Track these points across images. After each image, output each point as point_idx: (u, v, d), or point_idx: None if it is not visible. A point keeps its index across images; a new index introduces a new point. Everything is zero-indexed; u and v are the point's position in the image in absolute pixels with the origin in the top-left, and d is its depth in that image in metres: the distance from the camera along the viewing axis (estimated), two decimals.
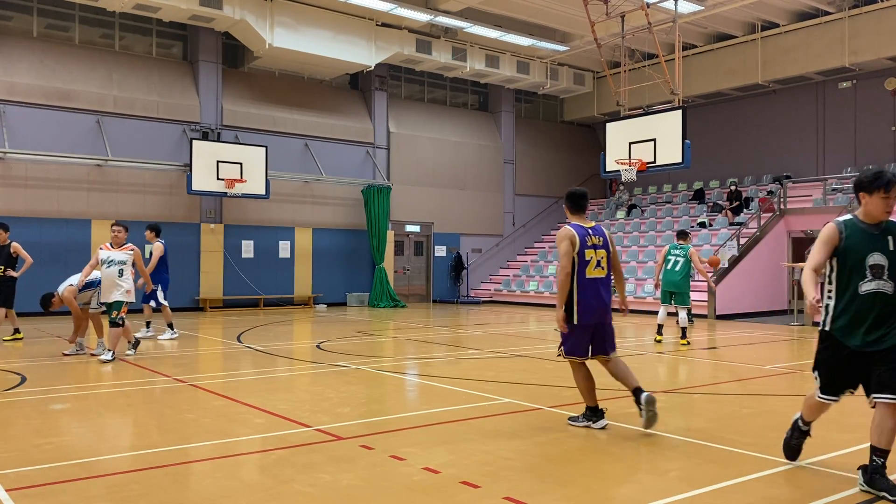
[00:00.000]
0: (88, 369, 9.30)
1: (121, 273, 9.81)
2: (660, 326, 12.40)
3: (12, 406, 6.86)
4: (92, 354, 10.24)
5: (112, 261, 9.81)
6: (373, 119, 22.59)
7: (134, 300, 10.02)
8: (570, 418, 6.16)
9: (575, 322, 5.82)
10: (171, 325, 12.75)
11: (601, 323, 5.90)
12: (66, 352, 10.40)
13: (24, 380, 8.24)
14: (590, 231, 5.92)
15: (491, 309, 21.27)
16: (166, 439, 5.60)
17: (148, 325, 13.10)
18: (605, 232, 6.05)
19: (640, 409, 5.80)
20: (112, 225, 10.22)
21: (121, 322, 9.76)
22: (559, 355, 6.09)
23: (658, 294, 12.89)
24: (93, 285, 10.38)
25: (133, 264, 10.01)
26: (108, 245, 10.00)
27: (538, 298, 22.10)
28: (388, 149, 22.90)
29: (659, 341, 12.15)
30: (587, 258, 5.83)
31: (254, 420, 6.30)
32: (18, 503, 4.11)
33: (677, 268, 12.07)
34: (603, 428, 5.93)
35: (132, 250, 9.97)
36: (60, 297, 10.19)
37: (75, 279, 10.41)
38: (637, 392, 5.87)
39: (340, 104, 22.38)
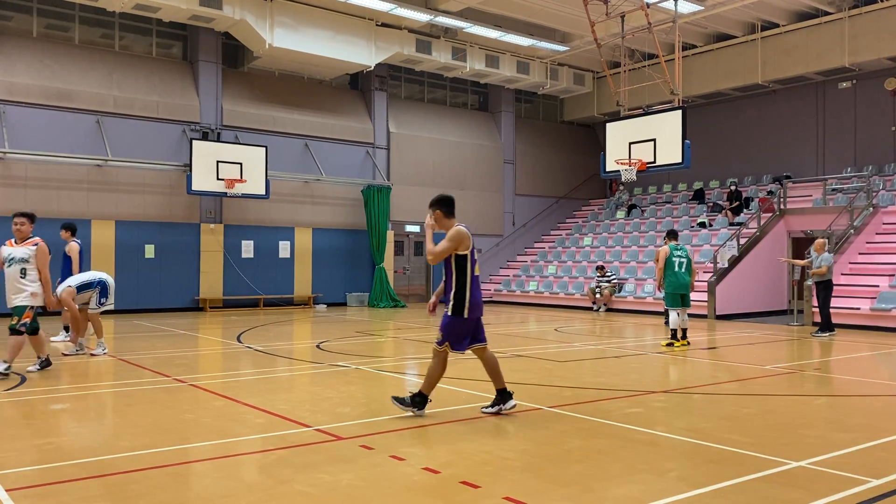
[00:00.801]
0: (88, 369, 9.30)
1: (23, 273, 8.30)
2: (684, 331, 11.85)
3: (12, 406, 6.86)
4: (92, 354, 10.25)
5: (13, 258, 8.32)
6: (373, 119, 22.60)
7: (42, 304, 8.49)
8: (396, 400, 6.42)
9: (465, 316, 6.27)
10: (66, 328, 11.74)
11: (480, 317, 6.48)
12: (65, 352, 10.40)
13: (23, 380, 8.24)
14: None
15: (491, 309, 21.26)
16: (166, 439, 5.60)
17: (66, 329, 11.90)
18: None
19: (497, 408, 6.38)
20: (14, 216, 8.58)
21: (22, 329, 8.28)
22: (438, 344, 6.37)
23: (660, 295, 12.77)
24: (91, 286, 10.38)
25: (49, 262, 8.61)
26: (11, 241, 8.52)
27: (538, 298, 22.10)
28: (388, 149, 22.91)
29: (687, 344, 11.75)
30: (475, 257, 6.44)
31: (254, 420, 6.30)
32: (18, 503, 4.11)
33: (683, 269, 11.96)
34: (421, 416, 6.30)
35: (35, 244, 8.40)
36: (58, 298, 10.15)
37: (74, 280, 10.41)
38: (504, 394, 6.45)
39: (340, 104, 22.39)
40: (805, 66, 20.75)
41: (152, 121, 18.85)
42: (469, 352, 6.51)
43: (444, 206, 6.49)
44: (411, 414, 6.32)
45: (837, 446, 5.44)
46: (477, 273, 6.44)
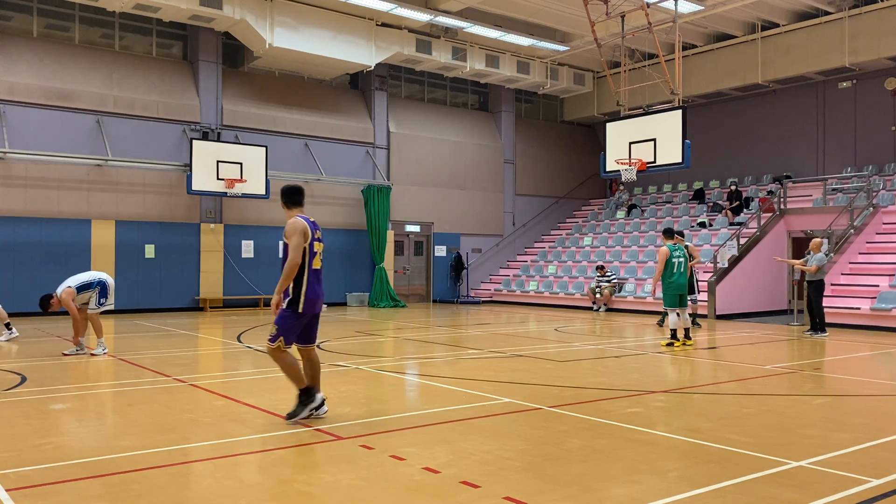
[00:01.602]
0: (88, 369, 9.30)
1: None
2: (686, 331, 11.88)
3: (12, 406, 6.86)
4: (92, 354, 10.25)
5: None
6: (373, 119, 22.60)
7: None
8: (288, 415, 6.13)
9: (300, 311, 6.01)
10: (8, 325, 12.05)
11: (317, 313, 6.21)
12: (65, 352, 10.40)
13: (24, 380, 8.24)
14: (314, 224, 6.21)
15: (491, 309, 21.27)
16: (166, 439, 5.60)
17: (8, 325, 12.10)
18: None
19: (308, 411, 6.06)
20: None
21: None
22: (271, 341, 6.02)
23: (659, 295, 12.72)
24: (91, 286, 10.38)
25: None
26: None
27: (538, 298, 22.10)
28: (388, 149, 22.91)
29: (691, 344, 11.75)
30: (315, 250, 6.13)
31: (254, 420, 6.30)
32: (18, 503, 4.11)
33: (682, 269, 11.94)
34: (324, 412, 6.15)
35: None
36: (59, 299, 10.15)
37: (73, 280, 10.40)
38: (311, 392, 6.10)
39: (340, 104, 22.39)
40: (805, 66, 20.75)
41: (152, 121, 18.85)
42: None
43: (283, 196, 6.33)
44: (312, 415, 6.07)
45: (837, 446, 5.44)
46: (317, 267, 6.13)
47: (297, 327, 6.09)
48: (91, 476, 4.65)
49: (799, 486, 4.49)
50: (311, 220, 6.23)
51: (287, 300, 6.04)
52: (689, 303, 13.55)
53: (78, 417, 6.56)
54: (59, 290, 10.27)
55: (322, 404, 6.19)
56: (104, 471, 4.76)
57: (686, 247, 12.72)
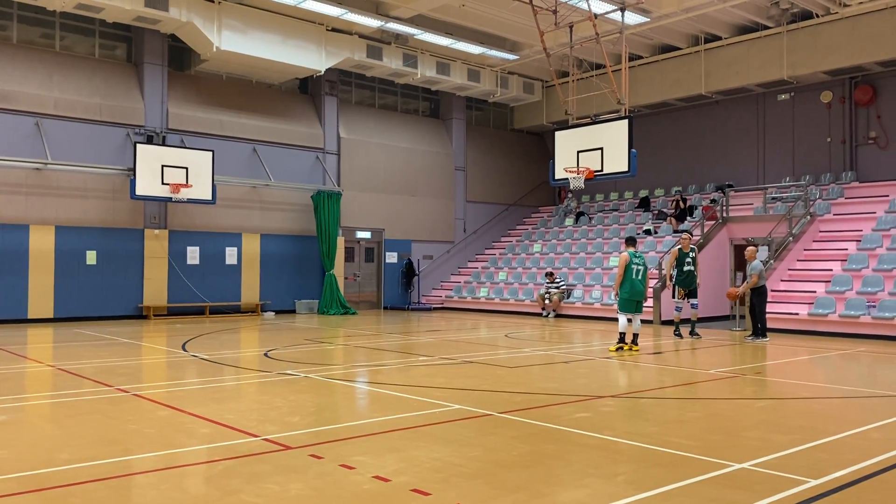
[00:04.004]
0: (25, 380, 8.98)
1: None
2: (634, 336, 12.10)
3: None
4: None
5: None
6: (323, 124, 22.43)
7: None
8: None
9: None
10: None
11: None
12: None
13: None
14: None
15: (442, 315, 21.29)
16: (108, 451, 5.44)
17: None
18: None
19: None
20: None
21: None
22: None
23: (615, 300, 12.87)
24: None
25: None
26: None
27: (489, 305, 22.22)
28: (338, 154, 22.76)
29: (637, 350, 11.97)
30: None
31: (200, 430, 6.17)
32: None
33: (640, 276, 12.18)
34: None
35: None
36: None
37: None
38: None
39: (290, 109, 22.17)
40: (746, 78, 21.38)
41: (95, 123, 18.36)
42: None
43: None
44: None
45: (778, 448, 5.60)
46: None
47: None
48: (28, 490, 4.49)
49: (742, 488, 4.61)
50: None
51: None
52: (691, 309, 14.33)
53: (15, 430, 6.32)
54: None
55: None
56: (42, 485, 4.60)
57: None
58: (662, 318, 17.81)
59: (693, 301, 14.39)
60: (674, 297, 14.63)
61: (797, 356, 11.94)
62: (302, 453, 5.36)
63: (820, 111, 21.46)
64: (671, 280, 14.55)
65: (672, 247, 14.71)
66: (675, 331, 14.54)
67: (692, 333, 14.38)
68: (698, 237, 19.69)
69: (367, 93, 24.44)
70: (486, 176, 26.85)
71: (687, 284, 14.32)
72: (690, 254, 14.37)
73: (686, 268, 14.29)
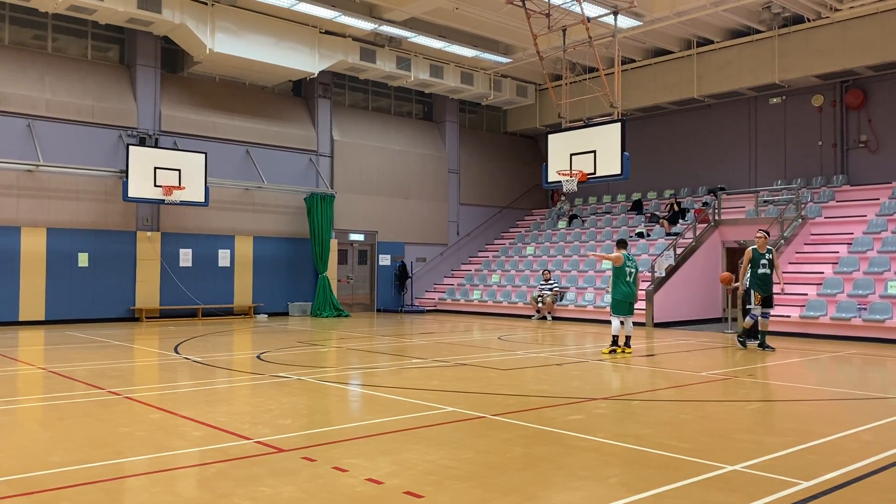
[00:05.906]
0: (16, 382, 8.94)
1: None
2: (627, 339, 12.12)
3: None
4: None
5: None
6: (316, 127, 22.42)
7: None
8: None
9: None
10: None
11: None
12: None
13: None
14: None
15: (435, 318, 21.28)
16: (100, 454, 5.42)
17: None
18: None
19: None
20: None
21: None
22: None
23: (607, 302, 12.87)
24: None
25: None
26: None
27: (482, 307, 22.23)
28: (331, 157, 22.75)
29: (630, 353, 11.97)
30: None
31: (192, 433, 6.15)
32: None
33: (632, 279, 12.24)
34: None
35: None
36: None
37: None
38: None
39: (283, 111, 22.14)
40: (738, 82, 21.48)
41: (87, 125, 18.29)
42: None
43: None
44: None
45: (770, 450, 5.62)
46: None
47: None
48: (19, 494, 4.46)
49: (734, 490, 4.63)
50: None
51: None
52: (761, 318, 12.72)
53: (5, 433, 6.29)
54: None
55: None
56: (33, 488, 4.58)
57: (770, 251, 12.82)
58: (655, 321, 17.87)
59: (766, 310, 12.78)
60: (749, 302, 12.92)
61: (788, 358, 11.99)
62: (294, 456, 5.35)
63: (811, 115, 21.57)
64: (744, 285, 13.16)
65: (747, 247, 13.45)
66: (759, 343, 12.85)
67: (762, 346, 12.79)
68: (691, 240, 19.77)
69: (360, 95, 24.43)
70: (479, 178, 26.87)
71: (764, 290, 12.71)
72: (767, 255, 12.81)
73: (761, 270, 12.72)
